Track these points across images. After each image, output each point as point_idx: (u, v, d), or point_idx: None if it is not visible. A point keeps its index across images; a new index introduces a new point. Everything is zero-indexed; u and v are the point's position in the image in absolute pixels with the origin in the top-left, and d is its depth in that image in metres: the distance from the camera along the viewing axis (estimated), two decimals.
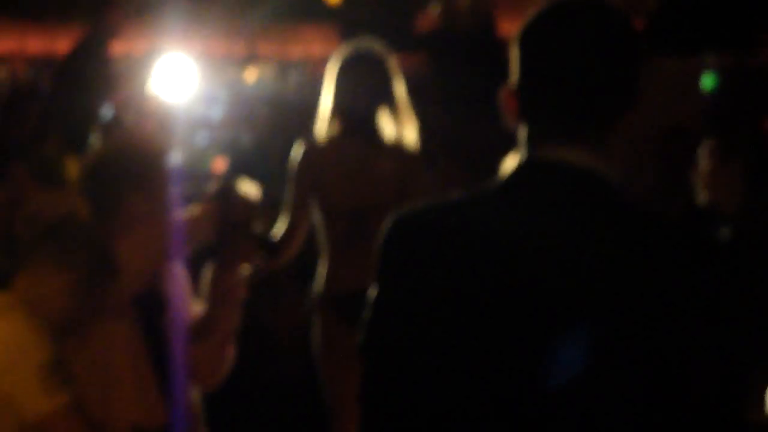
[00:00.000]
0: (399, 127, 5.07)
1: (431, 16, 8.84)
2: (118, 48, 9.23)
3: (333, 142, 5.06)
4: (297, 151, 5.17)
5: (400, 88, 5.12)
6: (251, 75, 11.76)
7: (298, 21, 10.60)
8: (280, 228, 5.19)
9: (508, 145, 7.04)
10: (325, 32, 10.43)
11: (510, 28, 9.90)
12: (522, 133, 2.03)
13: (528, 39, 2.05)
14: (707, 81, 9.82)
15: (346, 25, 9.42)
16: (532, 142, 2.01)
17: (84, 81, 8.58)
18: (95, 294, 3.22)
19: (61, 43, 10.34)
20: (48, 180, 7.08)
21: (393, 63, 5.14)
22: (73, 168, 7.85)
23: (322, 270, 5.17)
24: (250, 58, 11.57)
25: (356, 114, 5.03)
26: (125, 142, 4.24)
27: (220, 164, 11.47)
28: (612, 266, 1.87)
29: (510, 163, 1.98)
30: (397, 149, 5.08)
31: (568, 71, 1.98)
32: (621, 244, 1.90)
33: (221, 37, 11.20)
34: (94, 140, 8.08)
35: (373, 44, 5.23)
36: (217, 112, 12.05)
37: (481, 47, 8.92)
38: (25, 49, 10.91)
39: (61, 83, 9.20)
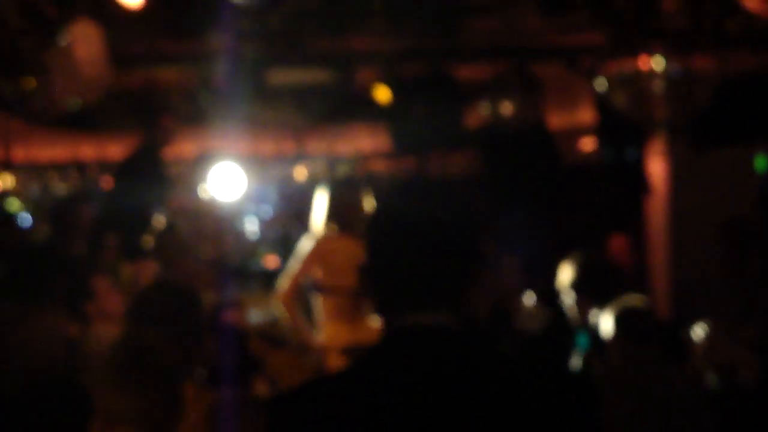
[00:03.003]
0: None
1: (480, 113, 8.87)
2: (171, 152, 9.34)
3: (332, 237, 7.00)
4: (308, 240, 7.11)
5: (369, 203, 7.03)
6: (301, 172, 11.84)
7: (346, 118, 10.66)
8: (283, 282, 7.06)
9: (560, 240, 6.96)
10: (373, 129, 10.49)
11: (559, 122, 9.94)
12: (377, 303, 2.21)
13: (375, 224, 2.24)
14: (760, 162, 9.82)
15: (395, 122, 9.46)
16: (391, 311, 2.19)
17: (139, 185, 8.68)
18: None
19: (112, 150, 10.47)
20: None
21: (364, 187, 7.22)
22: (127, 273, 7.90)
23: (321, 330, 7.05)
24: (300, 156, 11.66)
25: (347, 220, 6.99)
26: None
27: (271, 261, 11.53)
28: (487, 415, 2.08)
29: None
30: None
31: (414, 253, 2.16)
32: (492, 394, 2.10)
33: (271, 136, 11.29)
34: (148, 244, 8.15)
35: (350, 173, 7.71)
36: (267, 210, 12.12)
37: (530, 143, 8.95)
38: (78, 156, 11.06)
39: (117, 188, 9.31)
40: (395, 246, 2.18)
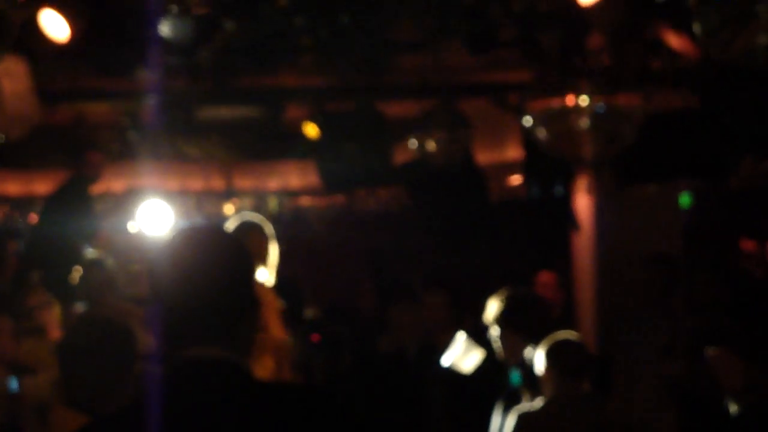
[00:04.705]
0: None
1: (408, 150, 8.92)
2: (99, 188, 9.27)
3: None
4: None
5: (274, 248, 6.57)
6: (230, 208, 11.82)
7: (275, 154, 10.67)
8: None
9: (488, 275, 6.96)
10: (302, 165, 10.50)
11: (487, 158, 10.01)
12: (163, 336, 2.46)
13: (159, 265, 2.47)
14: (683, 199, 10.00)
15: (323, 158, 9.47)
16: (175, 344, 2.44)
17: (66, 221, 8.60)
18: None
19: (39, 186, 10.37)
20: (30, 331, 7.05)
21: (270, 229, 6.63)
22: (55, 314, 7.80)
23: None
24: (229, 192, 11.65)
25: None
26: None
27: None
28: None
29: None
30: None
31: (193, 292, 2.43)
32: (259, 416, 2.39)
33: (199, 172, 11.26)
34: (76, 280, 8.08)
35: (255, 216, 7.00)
36: None
37: (458, 179, 8.99)
38: (4, 192, 10.94)
39: (43, 224, 9.22)
40: (173, 287, 2.45)
